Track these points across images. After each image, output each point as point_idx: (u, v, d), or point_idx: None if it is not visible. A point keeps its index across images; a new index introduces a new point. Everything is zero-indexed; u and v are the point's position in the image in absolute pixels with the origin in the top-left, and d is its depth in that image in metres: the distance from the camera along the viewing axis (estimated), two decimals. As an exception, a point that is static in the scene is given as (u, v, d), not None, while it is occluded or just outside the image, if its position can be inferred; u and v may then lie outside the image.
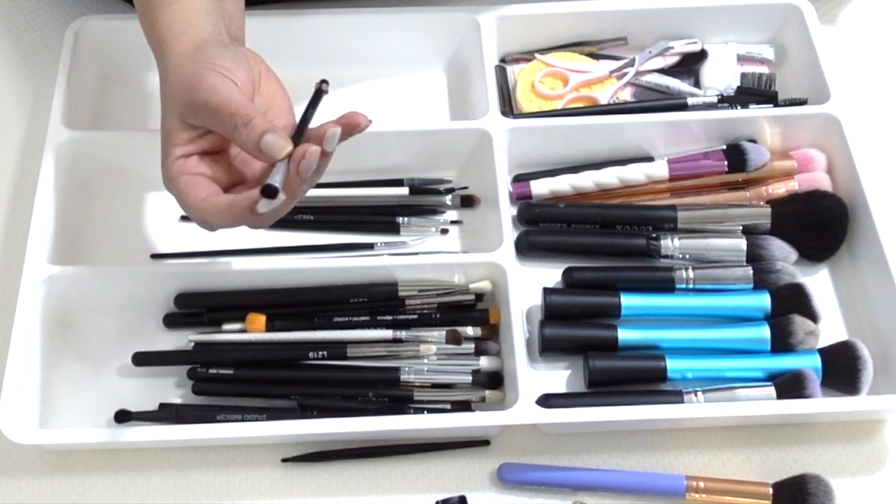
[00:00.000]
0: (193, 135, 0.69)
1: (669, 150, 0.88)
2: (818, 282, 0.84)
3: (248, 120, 0.66)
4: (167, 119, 0.69)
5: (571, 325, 0.80)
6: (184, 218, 0.85)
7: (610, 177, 0.86)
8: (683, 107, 0.90)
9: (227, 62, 0.69)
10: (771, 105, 0.90)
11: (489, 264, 0.80)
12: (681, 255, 0.83)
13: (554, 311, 0.80)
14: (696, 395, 0.75)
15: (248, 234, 0.82)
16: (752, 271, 0.81)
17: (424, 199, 0.87)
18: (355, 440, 0.76)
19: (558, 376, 0.80)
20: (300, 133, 0.68)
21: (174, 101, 0.69)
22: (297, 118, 0.70)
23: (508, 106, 0.92)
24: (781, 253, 0.82)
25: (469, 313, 0.80)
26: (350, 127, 0.67)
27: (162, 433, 0.74)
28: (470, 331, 0.79)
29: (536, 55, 0.93)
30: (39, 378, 0.77)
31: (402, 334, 0.78)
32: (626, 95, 0.93)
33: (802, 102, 0.90)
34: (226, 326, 0.80)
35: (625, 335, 0.78)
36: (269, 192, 0.64)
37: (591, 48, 0.95)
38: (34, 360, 0.77)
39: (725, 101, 0.90)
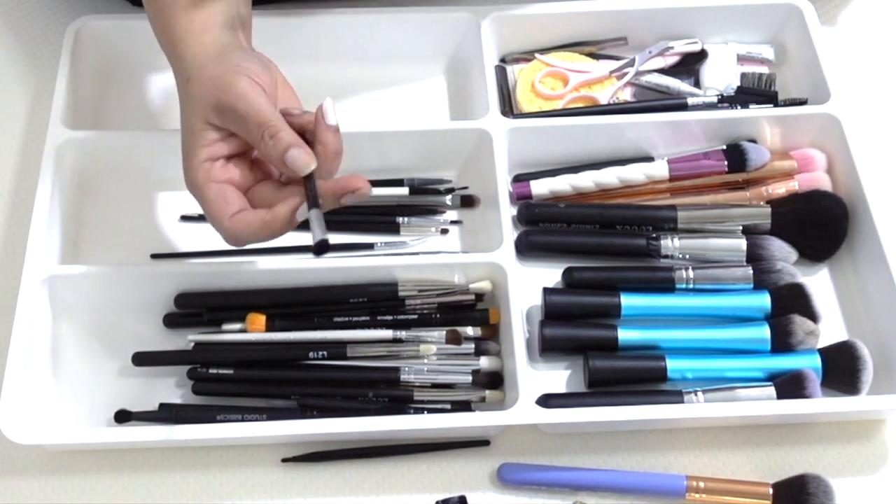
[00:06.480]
0: (220, 136, 0.69)
1: (669, 150, 0.88)
2: (818, 282, 0.84)
3: (275, 132, 0.66)
4: (192, 120, 0.70)
5: (571, 325, 0.80)
6: (184, 218, 0.86)
7: (610, 177, 0.86)
8: (683, 107, 0.90)
9: (253, 66, 0.69)
10: (771, 105, 0.90)
11: (489, 264, 0.80)
12: (681, 255, 0.83)
13: (554, 311, 0.80)
14: (696, 395, 0.75)
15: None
16: (752, 271, 0.81)
17: (424, 199, 0.87)
18: (355, 440, 0.76)
19: (558, 376, 0.79)
20: (313, 197, 0.68)
21: (200, 102, 0.69)
22: (304, 120, 0.70)
23: (508, 106, 0.92)
24: (781, 253, 0.82)
25: (469, 313, 0.80)
26: (345, 190, 0.68)
27: (162, 433, 0.74)
28: (470, 331, 0.78)
29: (536, 55, 0.93)
30: (39, 378, 0.77)
31: (402, 334, 0.78)
32: (626, 95, 0.93)
33: (802, 102, 0.90)
34: (226, 326, 0.80)
35: (625, 335, 0.78)
36: (322, 247, 0.64)
37: (591, 48, 0.95)
38: (34, 360, 0.77)
39: (725, 101, 0.90)
